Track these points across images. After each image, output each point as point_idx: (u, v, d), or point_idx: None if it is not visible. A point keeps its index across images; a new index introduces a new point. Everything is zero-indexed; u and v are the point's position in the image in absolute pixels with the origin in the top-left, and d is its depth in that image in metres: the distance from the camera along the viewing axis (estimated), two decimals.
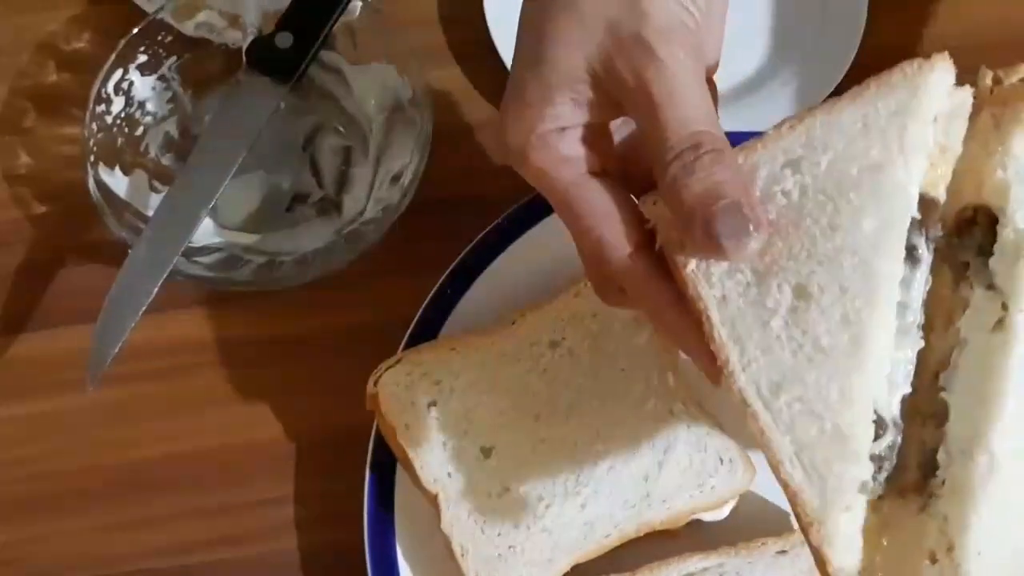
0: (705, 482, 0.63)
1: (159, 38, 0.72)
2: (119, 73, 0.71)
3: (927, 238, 0.46)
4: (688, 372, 0.64)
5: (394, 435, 0.64)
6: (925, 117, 0.46)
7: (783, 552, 0.62)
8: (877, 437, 0.44)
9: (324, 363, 0.70)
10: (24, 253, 0.73)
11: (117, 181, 0.71)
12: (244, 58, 0.71)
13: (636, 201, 0.48)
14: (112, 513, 0.68)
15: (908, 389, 0.45)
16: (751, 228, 0.44)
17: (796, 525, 0.44)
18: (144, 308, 0.64)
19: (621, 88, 0.47)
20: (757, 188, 0.46)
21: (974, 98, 0.48)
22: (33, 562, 0.67)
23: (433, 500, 0.63)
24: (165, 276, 0.65)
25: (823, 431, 0.43)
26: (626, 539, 0.62)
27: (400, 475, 0.65)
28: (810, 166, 0.46)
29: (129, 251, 0.66)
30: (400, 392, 0.64)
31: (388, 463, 0.65)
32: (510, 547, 0.62)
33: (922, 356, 0.46)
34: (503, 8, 0.76)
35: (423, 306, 0.68)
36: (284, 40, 0.70)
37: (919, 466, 0.45)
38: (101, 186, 0.69)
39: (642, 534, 0.63)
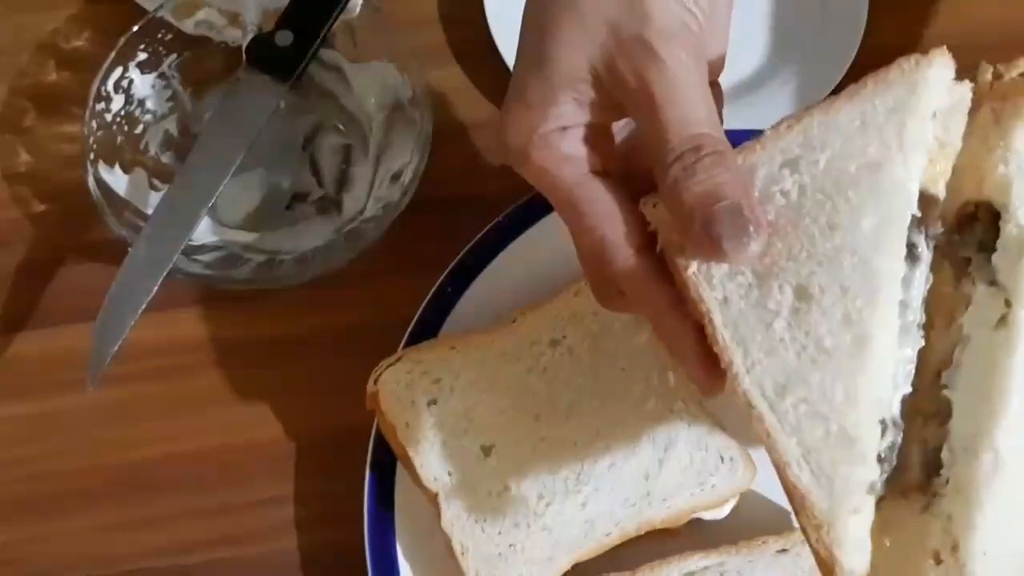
0: (706, 480, 0.63)
1: (159, 36, 0.72)
2: (119, 71, 0.71)
3: (926, 236, 0.46)
4: None
5: (394, 434, 0.64)
6: (924, 113, 0.46)
7: (784, 551, 0.62)
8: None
9: (324, 363, 0.70)
10: (24, 252, 0.73)
11: (117, 179, 0.71)
12: (244, 56, 0.71)
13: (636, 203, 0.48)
14: (112, 513, 0.68)
15: (908, 389, 0.45)
16: (751, 229, 0.44)
17: (797, 525, 0.44)
18: (144, 307, 0.64)
19: (622, 89, 0.47)
20: (756, 189, 0.46)
21: (973, 93, 0.48)
22: (33, 562, 0.67)
23: (433, 499, 0.63)
24: (165, 275, 0.65)
25: (829, 432, 0.42)
26: (627, 538, 0.62)
27: (400, 474, 0.65)
28: (808, 165, 0.46)
29: (129, 250, 0.66)
30: (400, 391, 0.64)
31: (388, 462, 0.65)
32: (510, 545, 0.62)
33: (923, 354, 0.45)
34: (503, 7, 0.76)
35: (423, 305, 0.68)
36: (284, 38, 0.70)
37: (922, 465, 0.44)
38: (101, 184, 0.69)
39: (643, 533, 0.62)
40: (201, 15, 0.72)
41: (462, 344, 0.66)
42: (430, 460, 0.63)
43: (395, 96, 0.72)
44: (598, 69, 0.47)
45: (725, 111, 0.52)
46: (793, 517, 0.43)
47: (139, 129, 0.73)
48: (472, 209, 0.69)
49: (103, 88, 0.70)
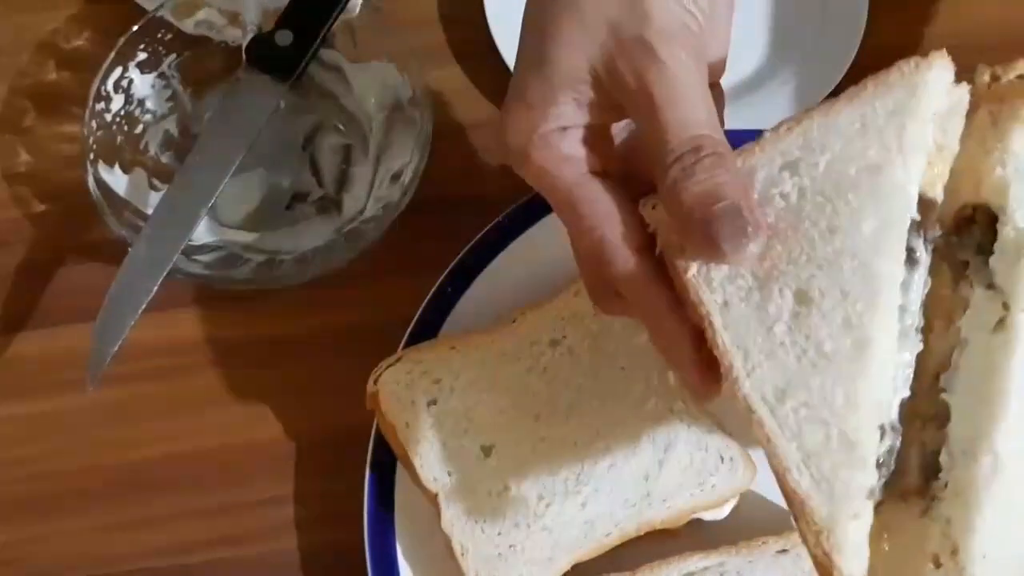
0: (706, 481, 0.63)
1: (159, 36, 0.72)
2: (119, 71, 0.71)
3: (925, 239, 0.46)
4: None
5: (394, 434, 0.64)
6: (924, 116, 0.46)
7: (784, 551, 0.62)
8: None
9: (324, 363, 0.70)
10: (24, 252, 0.73)
11: (117, 179, 0.71)
12: (244, 56, 0.71)
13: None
14: (112, 513, 0.68)
15: (907, 393, 0.45)
16: (749, 230, 0.44)
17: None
18: (144, 307, 0.64)
19: (622, 90, 0.47)
20: (755, 191, 0.46)
21: (971, 95, 0.48)
22: (33, 562, 0.67)
23: (433, 499, 0.63)
24: (165, 275, 0.65)
25: (829, 437, 0.42)
26: (626, 538, 0.62)
27: (400, 474, 0.65)
28: (808, 168, 0.46)
29: (129, 250, 0.66)
30: (400, 391, 0.64)
31: (388, 463, 0.65)
32: (510, 546, 0.62)
33: (922, 358, 0.45)
34: (503, 7, 0.76)
35: (423, 305, 0.68)
36: (284, 38, 0.70)
37: (920, 469, 0.44)
38: (101, 184, 0.69)
39: (642, 533, 0.62)
40: (201, 15, 0.72)
41: (462, 344, 0.66)
42: (430, 460, 0.63)
43: (395, 96, 0.72)
44: (598, 69, 0.47)
45: (725, 111, 0.52)
46: (793, 518, 0.43)
47: (139, 129, 0.73)
48: (472, 209, 0.69)
49: (103, 88, 0.70)
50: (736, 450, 0.63)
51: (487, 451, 0.64)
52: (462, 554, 0.62)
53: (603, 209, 0.47)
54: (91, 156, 0.69)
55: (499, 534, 0.62)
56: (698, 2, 0.47)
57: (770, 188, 0.46)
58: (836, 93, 0.48)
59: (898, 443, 0.44)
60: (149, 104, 0.73)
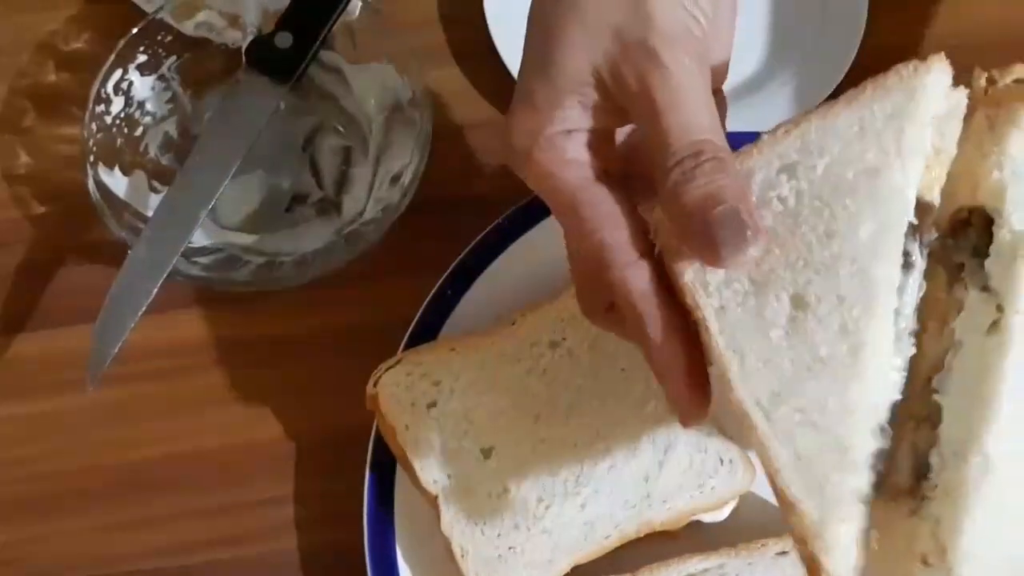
0: (705, 483, 0.63)
1: (159, 38, 0.72)
2: (118, 73, 0.71)
3: (920, 243, 0.46)
4: None
5: (394, 436, 0.64)
6: (922, 120, 0.46)
7: (783, 553, 0.62)
8: None
9: (324, 363, 0.70)
10: (24, 253, 0.73)
11: (117, 181, 0.71)
12: (244, 58, 0.71)
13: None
14: (112, 513, 0.68)
15: (898, 396, 0.45)
16: (749, 234, 0.44)
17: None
18: (144, 308, 0.64)
19: (626, 94, 0.47)
20: (753, 194, 0.46)
21: (968, 99, 0.48)
22: (33, 562, 0.67)
23: (433, 501, 0.63)
24: (165, 276, 0.65)
25: (822, 442, 0.42)
26: (626, 540, 0.62)
27: (400, 475, 0.65)
28: (806, 171, 0.46)
29: (129, 251, 0.66)
30: (400, 393, 0.64)
31: (388, 463, 0.65)
32: (510, 548, 0.62)
33: (915, 360, 0.45)
34: (503, 8, 0.76)
35: (423, 306, 0.68)
36: (284, 40, 0.70)
37: (911, 469, 0.44)
38: (101, 186, 0.69)
39: (642, 535, 0.63)
40: (201, 17, 0.72)
41: (462, 346, 0.66)
42: (429, 462, 0.63)
43: (395, 97, 0.72)
44: (602, 74, 0.47)
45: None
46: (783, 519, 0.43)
47: (139, 131, 0.73)
48: (472, 210, 0.69)
49: (103, 90, 0.70)
50: (735, 452, 0.63)
51: (487, 453, 0.64)
52: (462, 556, 0.62)
53: (605, 212, 0.47)
54: (91, 158, 0.69)
55: (499, 536, 0.62)
56: (702, 6, 0.47)
57: (767, 191, 0.46)
58: (836, 94, 0.48)
59: (889, 446, 0.44)
60: (149, 106, 0.73)
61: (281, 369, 0.70)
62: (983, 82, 0.48)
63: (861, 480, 0.42)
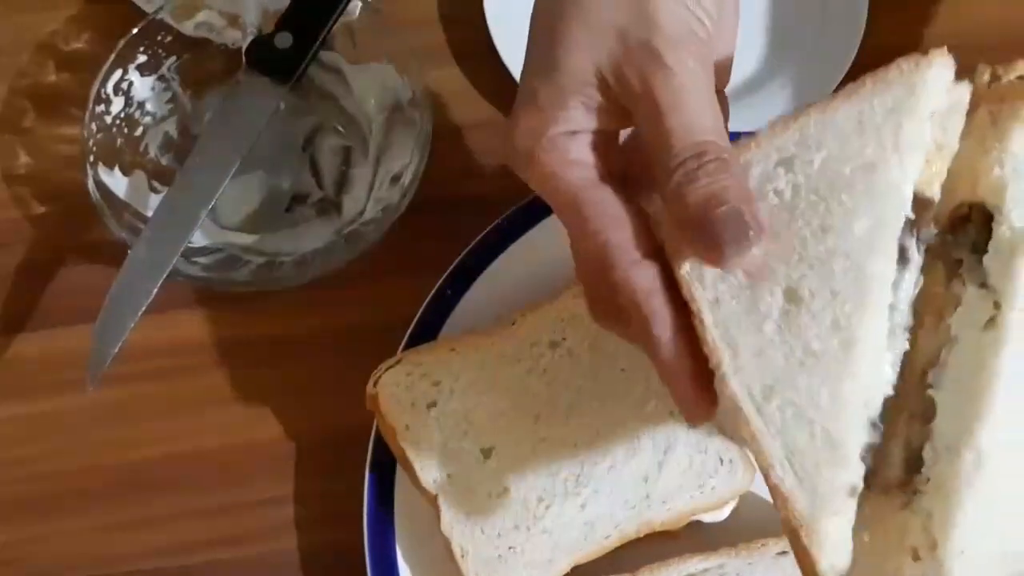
0: (705, 483, 0.63)
1: (158, 38, 0.72)
2: (118, 73, 0.71)
3: (918, 239, 0.46)
4: None
5: (394, 436, 0.64)
6: (922, 115, 0.46)
7: (783, 553, 0.62)
8: None
9: (324, 363, 0.70)
10: (24, 253, 0.73)
11: (116, 181, 0.71)
12: (244, 58, 0.71)
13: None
14: (112, 513, 0.68)
15: (890, 391, 0.44)
16: (751, 234, 0.44)
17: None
18: (144, 308, 0.64)
19: (628, 95, 0.47)
20: (751, 187, 0.46)
21: (971, 95, 0.48)
22: (33, 562, 0.67)
23: (433, 501, 0.63)
24: (165, 276, 0.65)
25: (814, 435, 0.42)
26: (626, 540, 0.62)
27: (400, 475, 0.65)
28: (803, 165, 0.46)
29: (129, 251, 0.66)
30: (400, 393, 0.64)
31: (388, 463, 0.65)
32: (510, 548, 0.62)
33: (910, 354, 0.45)
34: (503, 8, 0.76)
35: (423, 306, 0.68)
36: (284, 40, 0.70)
37: (904, 463, 0.44)
38: (100, 186, 0.69)
39: (642, 535, 0.63)
40: (201, 17, 0.72)
41: (462, 346, 0.66)
42: (429, 462, 0.63)
43: (395, 97, 0.72)
44: (606, 75, 0.47)
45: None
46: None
47: (139, 131, 0.73)
48: (472, 210, 0.69)
49: (103, 90, 0.70)
50: (735, 452, 0.63)
51: (487, 453, 0.64)
52: (462, 556, 0.62)
53: (609, 212, 0.47)
54: (91, 158, 0.69)
55: (499, 536, 0.62)
56: (706, 7, 0.47)
57: (765, 184, 0.46)
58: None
59: (880, 440, 0.44)
60: (149, 106, 0.73)
61: (281, 369, 0.70)
62: (986, 78, 0.47)
63: (853, 474, 0.42)
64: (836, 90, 0.53)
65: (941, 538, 0.42)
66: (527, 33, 0.51)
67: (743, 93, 0.76)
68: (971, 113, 0.47)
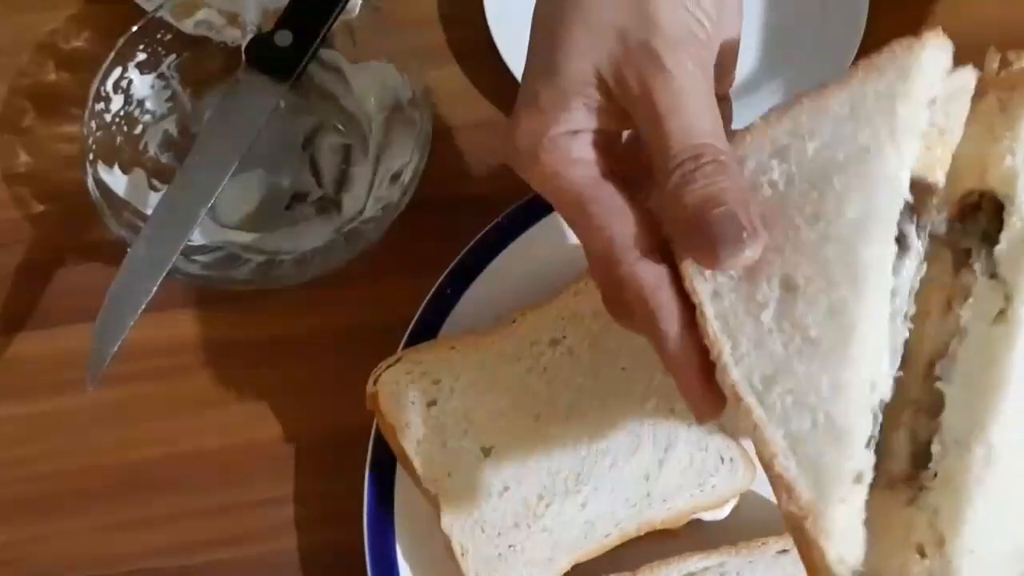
0: (706, 481, 0.63)
1: (158, 36, 0.72)
2: (118, 71, 0.71)
3: (918, 225, 0.45)
4: None
5: (394, 434, 0.64)
6: (917, 98, 0.45)
7: (784, 551, 0.62)
8: None
9: (324, 363, 0.70)
10: (23, 253, 0.73)
11: (116, 180, 0.71)
12: (243, 56, 0.71)
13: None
14: (112, 513, 0.68)
15: (891, 381, 0.44)
16: (745, 235, 0.43)
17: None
18: (144, 307, 0.64)
19: (627, 96, 0.47)
20: (745, 180, 0.46)
21: (979, 81, 0.47)
22: (33, 562, 0.67)
23: (433, 500, 0.63)
24: (164, 275, 0.65)
25: (816, 423, 0.42)
26: (627, 538, 0.62)
27: (400, 475, 0.65)
28: (797, 154, 0.45)
29: (128, 250, 0.66)
30: (400, 391, 0.64)
31: (388, 463, 0.65)
32: (510, 546, 0.62)
33: (917, 345, 0.45)
34: (503, 7, 0.76)
35: (423, 305, 0.68)
36: (283, 38, 0.70)
37: (910, 457, 0.44)
38: (100, 185, 0.69)
39: (643, 533, 0.62)
40: (200, 15, 0.72)
41: (462, 345, 0.66)
42: (429, 461, 0.63)
43: (395, 96, 0.72)
44: (605, 76, 0.47)
45: None
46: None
47: (138, 129, 0.73)
48: (472, 209, 0.69)
49: (102, 88, 0.70)
50: (736, 451, 0.63)
51: (487, 452, 0.64)
52: (462, 555, 0.62)
53: (612, 209, 0.47)
54: (90, 156, 0.69)
55: (499, 534, 0.62)
56: (705, 9, 0.47)
57: (759, 176, 0.46)
58: None
59: (883, 430, 0.43)
60: (148, 104, 0.73)
61: (281, 369, 0.70)
62: (996, 64, 0.47)
63: (859, 461, 0.42)
64: None
65: (949, 535, 0.41)
66: (528, 33, 0.51)
67: (743, 93, 0.76)
68: (977, 99, 0.47)
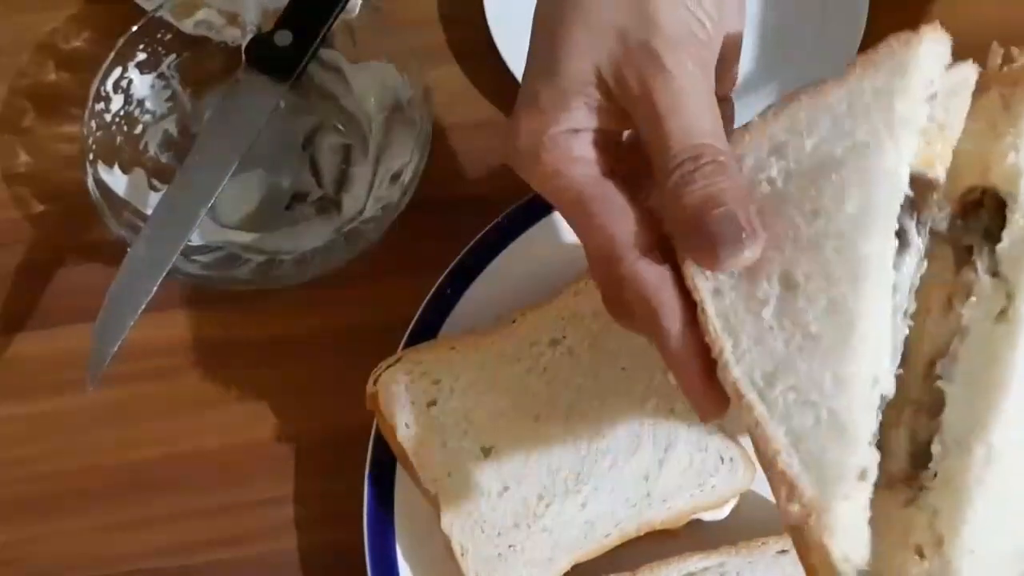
0: (706, 481, 0.63)
1: (158, 36, 0.72)
2: (118, 71, 0.71)
3: (918, 221, 0.45)
4: None
5: (394, 435, 0.64)
6: (915, 93, 0.45)
7: (784, 552, 0.62)
8: None
9: (324, 363, 0.70)
10: (23, 253, 0.73)
11: (116, 180, 0.71)
12: (243, 56, 0.71)
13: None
14: (112, 513, 0.68)
15: (895, 375, 0.44)
16: (744, 236, 0.43)
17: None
18: (144, 307, 0.64)
19: (627, 96, 0.47)
20: (744, 178, 0.45)
21: (981, 76, 0.47)
22: (33, 562, 0.67)
23: (433, 500, 0.63)
24: (164, 275, 0.65)
25: (819, 419, 0.42)
26: (626, 538, 0.62)
27: (400, 475, 0.65)
28: (795, 151, 0.45)
29: (128, 250, 0.66)
30: (400, 391, 0.64)
31: (388, 463, 0.65)
32: (510, 546, 0.62)
33: (917, 343, 0.45)
34: (503, 7, 0.76)
35: (423, 305, 0.68)
36: (283, 38, 0.70)
37: (909, 456, 0.44)
38: (100, 185, 0.69)
39: (642, 533, 0.62)
40: (200, 15, 0.72)
41: (462, 345, 0.66)
42: (429, 461, 0.63)
43: (395, 96, 0.72)
44: (605, 76, 0.47)
45: None
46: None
47: (138, 129, 0.73)
48: (472, 209, 0.69)
49: (102, 88, 0.70)
50: (736, 451, 0.63)
51: (487, 452, 0.64)
52: (462, 554, 0.62)
53: (613, 207, 0.47)
54: (90, 156, 0.69)
55: (499, 534, 0.62)
56: (706, 9, 0.47)
57: (758, 174, 0.45)
58: None
59: (884, 428, 0.43)
60: (148, 104, 0.73)
61: (281, 369, 0.70)
62: (999, 60, 0.47)
63: (863, 458, 0.41)
64: None
65: (948, 535, 0.41)
66: (528, 33, 0.51)
67: (742, 93, 0.75)
68: (978, 94, 0.47)
